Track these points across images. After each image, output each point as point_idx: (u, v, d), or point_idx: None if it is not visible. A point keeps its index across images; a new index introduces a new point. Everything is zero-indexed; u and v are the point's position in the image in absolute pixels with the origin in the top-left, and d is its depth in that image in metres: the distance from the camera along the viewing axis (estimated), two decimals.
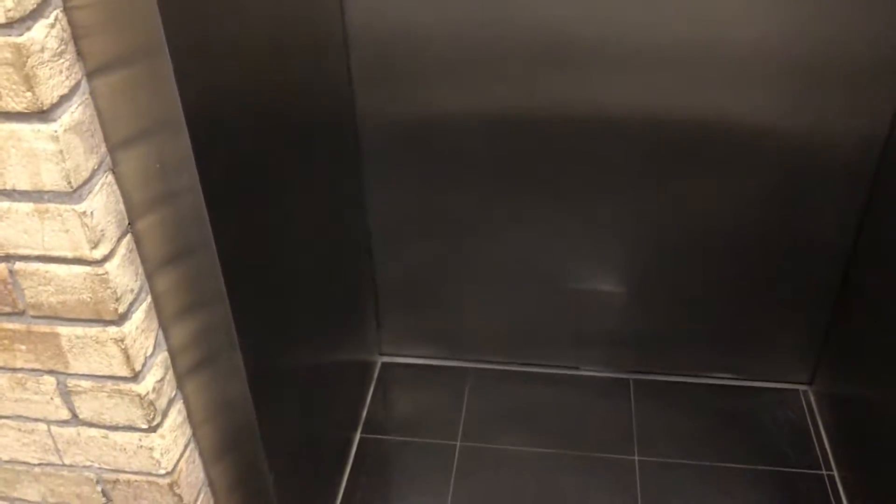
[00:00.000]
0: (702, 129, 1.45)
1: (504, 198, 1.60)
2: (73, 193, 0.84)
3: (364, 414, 1.77)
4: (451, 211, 1.63)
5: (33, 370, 1.00)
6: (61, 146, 0.81)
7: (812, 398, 1.75)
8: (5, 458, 1.11)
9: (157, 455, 1.06)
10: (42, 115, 0.79)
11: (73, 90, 0.82)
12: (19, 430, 1.07)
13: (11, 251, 0.89)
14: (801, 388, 1.77)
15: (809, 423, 1.69)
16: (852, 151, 1.44)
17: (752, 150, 1.46)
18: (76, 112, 0.82)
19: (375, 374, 1.86)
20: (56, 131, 0.80)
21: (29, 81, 0.76)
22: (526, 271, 1.70)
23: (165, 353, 1.05)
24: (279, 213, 1.19)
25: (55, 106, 0.79)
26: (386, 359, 1.89)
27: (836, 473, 1.58)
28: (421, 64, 1.45)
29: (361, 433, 1.73)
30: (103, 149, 0.88)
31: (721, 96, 1.41)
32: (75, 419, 1.04)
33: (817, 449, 1.64)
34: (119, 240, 0.92)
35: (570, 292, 1.71)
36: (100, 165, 0.87)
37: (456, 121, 1.51)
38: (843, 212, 1.51)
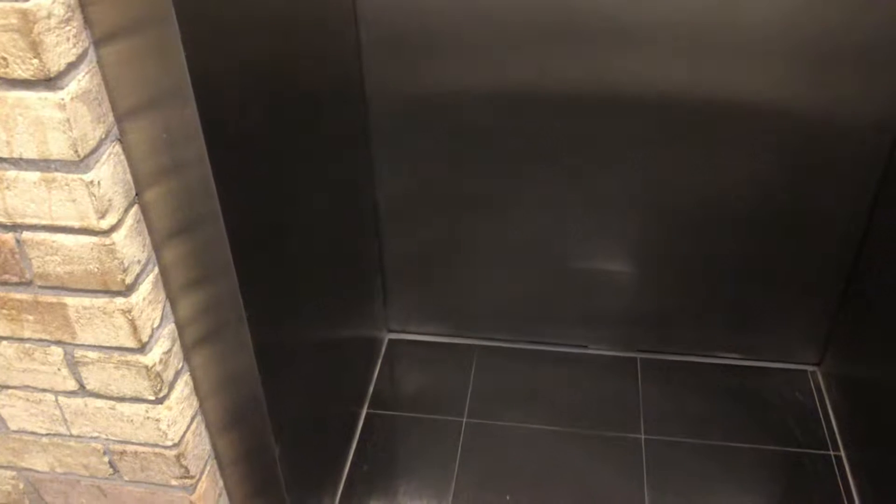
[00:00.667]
0: (713, 108, 1.44)
1: (513, 174, 1.59)
2: (81, 163, 0.84)
3: (371, 389, 1.77)
4: (459, 187, 1.62)
5: (41, 340, 1.00)
6: (68, 114, 0.80)
7: (820, 379, 1.74)
8: (14, 427, 1.11)
9: (163, 427, 1.06)
10: (49, 82, 0.78)
11: (81, 58, 0.81)
12: (27, 400, 1.07)
13: (18, 220, 0.89)
14: (810, 368, 1.76)
15: (817, 404, 1.68)
16: (866, 131, 1.42)
17: (764, 129, 1.45)
18: (83, 80, 0.82)
19: (383, 351, 1.86)
20: (63, 99, 0.79)
21: (35, 48, 0.75)
22: (534, 249, 1.69)
23: (172, 325, 1.05)
24: (287, 186, 1.19)
25: (62, 74, 0.79)
26: (393, 335, 1.89)
27: (843, 454, 1.58)
28: (430, 38, 1.44)
29: (368, 408, 1.73)
30: (111, 118, 0.87)
31: (733, 75, 1.40)
32: (82, 390, 1.04)
33: (825, 429, 1.63)
34: (126, 210, 0.92)
35: (579, 270, 1.71)
36: (107, 135, 0.87)
37: (465, 96, 1.50)
38: (856, 192, 1.50)
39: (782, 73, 1.39)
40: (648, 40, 1.38)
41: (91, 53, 0.82)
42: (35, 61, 0.76)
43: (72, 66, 0.80)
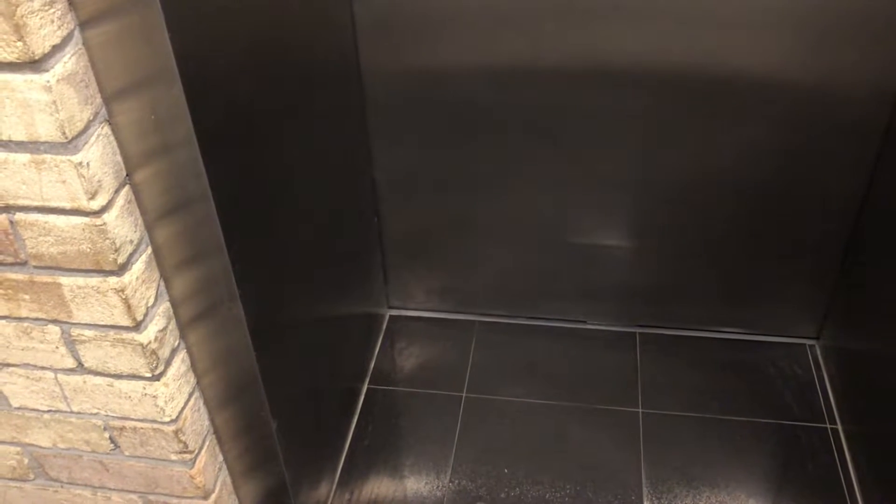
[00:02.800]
0: (710, 80, 1.43)
1: (510, 150, 1.59)
2: (69, 144, 0.85)
3: (372, 365, 1.79)
4: (458, 163, 1.63)
5: (38, 319, 1.01)
6: (55, 97, 0.81)
7: (819, 352, 1.74)
8: (16, 404, 1.14)
9: (161, 403, 1.08)
10: (34, 65, 0.79)
11: (66, 40, 0.82)
12: (27, 377, 1.09)
13: (11, 202, 0.90)
14: (808, 342, 1.76)
15: (815, 378, 1.69)
16: (864, 103, 1.41)
17: (761, 101, 1.44)
18: (69, 62, 0.82)
19: (383, 327, 1.88)
20: (49, 82, 0.80)
21: (19, 31, 0.76)
22: (533, 224, 1.70)
23: (167, 304, 1.06)
24: (279, 165, 1.19)
25: (47, 56, 0.79)
26: (394, 311, 1.91)
27: (839, 427, 1.59)
28: (426, 14, 1.44)
29: (369, 384, 1.75)
30: (98, 100, 0.88)
31: (730, 46, 1.39)
32: (81, 367, 1.06)
33: (822, 403, 1.64)
34: (117, 191, 0.93)
35: (578, 245, 1.71)
36: (95, 116, 0.88)
37: (461, 73, 1.50)
38: (854, 165, 1.49)
39: (779, 45, 1.38)
40: (645, 14, 1.37)
41: (76, 35, 0.83)
42: (19, 44, 0.77)
43: (57, 49, 0.80)
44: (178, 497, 1.22)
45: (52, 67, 0.80)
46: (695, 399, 1.66)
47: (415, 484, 1.56)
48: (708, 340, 1.78)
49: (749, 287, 1.71)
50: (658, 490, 1.51)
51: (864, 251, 1.54)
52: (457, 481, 1.55)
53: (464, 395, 1.71)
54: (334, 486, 1.56)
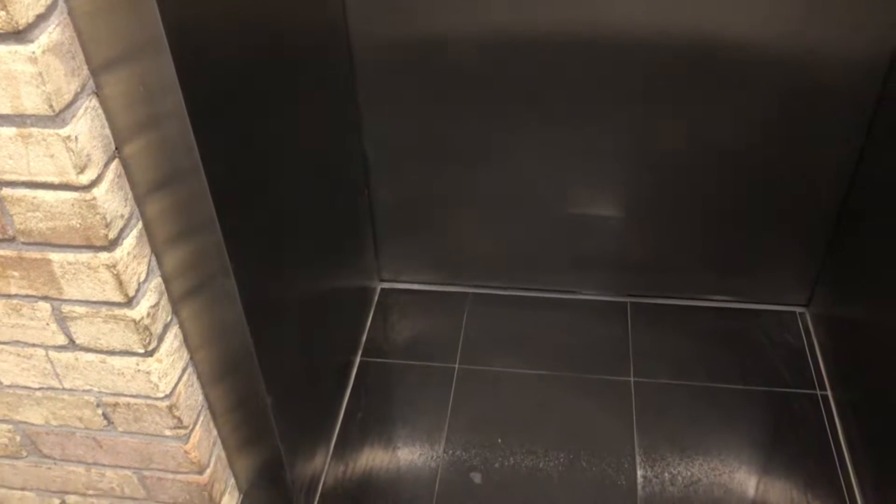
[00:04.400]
0: (702, 51, 1.42)
1: (502, 121, 1.57)
2: (56, 117, 0.83)
3: (364, 338, 1.79)
4: (448, 135, 1.61)
5: (27, 296, 1.00)
6: (40, 68, 0.79)
7: (809, 320, 1.75)
8: (6, 382, 1.12)
9: (154, 379, 1.07)
10: (18, 35, 0.76)
11: (50, 9, 0.79)
12: (18, 355, 1.08)
13: None
14: (798, 309, 1.77)
15: (805, 345, 1.70)
16: (856, 72, 1.40)
17: (753, 71, 1.43)
18: (54, 33, 0.80)
19: (375, 300, 1.87)
20: (34, 52, 0.78)
21: (2, 0, 0.74)
22: (524, 195, 1.69)
23: (159, 279, 1.05)
24: (270, 137, 1.18)
25: (31, 26, 0.77)
26: (385, 284, 1.90)
27: (829, 393, 1.60)
28: None
29: (362, 357, 1.75)
30: (85, 71, 0.86)
31: (722, 17, 1.37)
32: (72, 344, 1.05)
33: (812, 369, 1.65)
34: (106, 165, 0.91)
35: (569, 216, 1.71)
36: (83, 88, 0.86)
37: (452, 42, 1.47)
38: (845, 135, 1.49)
39: (771, 13, 1.36)
40: None
41: (61, 4, 0.81)
42: (2, 13, 0.74)
43: (41, 18, 0.78)
44: (172, 472, 1.22)
45: (38, 38, 0.78)
46: (686, 367, 1.67)
47: (409, 455, 1.56)
48: (699, 309, 1.79)
49: (740, 256, 1.72)
50: (651, 457, 1.52)
51: (854, 219, 1.55)
52: (451, 452, 1.55)
53: (457, 366, 1.71)
54: (329, 459, 1.57)
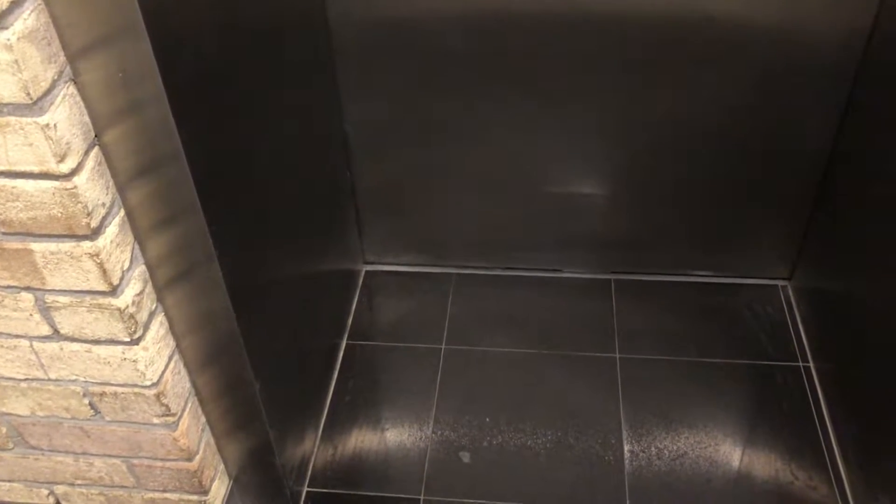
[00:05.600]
0: (682, 25, 1.42)
1: (484, 100, 1.57)
2: (34, 105, 0.81)
3: (350, 321, 1.79)
4: (430, 114, 1.60)
5: (9, 287, 0.99)
6: (16, 55, 0.77)
7: (791, 293, 1.77)
8: None
9: (141, 367, 1.07)
10: None
11: None
12: (2, 346, 1.07)
13: None
14: (781, 283, 1.79)
15: (787, 318, 1.72)
16: (834, 47, 1.41)
17: (732, 46, 1.43)
18: (29, 19, 0.79)
19: (360, 282, 1.87)
20: (9, 40, 0.76)
21: None
22: (507, 174, 1.69)
23: (143, 267, 1.04)
24: (251, 122, 1.17)
25: (5, 13, 0.76)
26: (370, 267, 1.90)
27: (812, 365, 1.63)
28: None
29: (348, 340, 1.75)
30: (62, 58, 0.84)
31: None
32: (57, 334, 1.04)
33: (794, 342, 1.67)
34: (86, 153, 0.90)
35: (552, 195, 1.71)
36: (60, 75, 0.84)
37: (432, 21, 1.46)
38: (825, 109, 1.50)
39: None
40: None
41: None
42: None
43: (15, 5, 0.76)
44: (161, 460, 1.22)
45: (12, 24, 0.77)
46: (670, 342, 1.68)
47: (398, 436, 1.57)
48: (682, 284, 1.80)
49: (722, 230, 1.73)
50: (637, 432, 1.54)
51: (834, 193, 1.56)
52: (439, 432, 1.56)
53: (443, 347, 1.71)
54: (317, 442, 1.57)
